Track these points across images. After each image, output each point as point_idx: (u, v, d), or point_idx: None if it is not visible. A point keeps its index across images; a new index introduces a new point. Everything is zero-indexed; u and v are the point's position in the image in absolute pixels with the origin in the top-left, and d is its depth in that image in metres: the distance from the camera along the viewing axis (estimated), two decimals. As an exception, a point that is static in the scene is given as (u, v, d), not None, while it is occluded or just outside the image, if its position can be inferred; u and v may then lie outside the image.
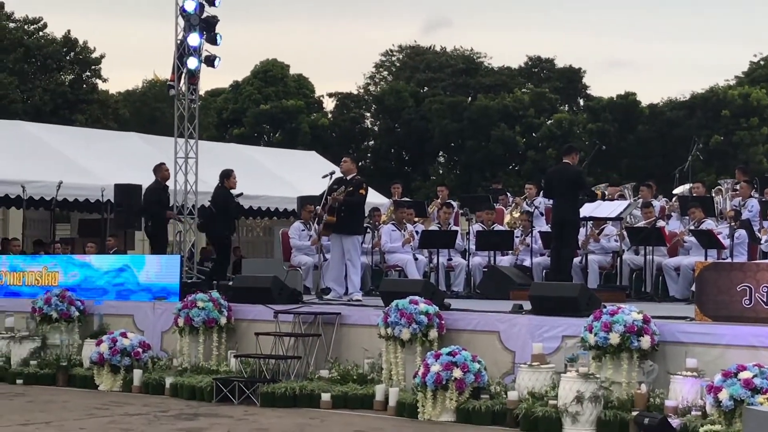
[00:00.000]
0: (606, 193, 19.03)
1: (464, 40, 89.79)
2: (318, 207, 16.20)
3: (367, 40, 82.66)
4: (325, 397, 12.97)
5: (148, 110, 49.24)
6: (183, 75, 19.03)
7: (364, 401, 12.92)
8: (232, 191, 17.84)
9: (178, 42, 18.96)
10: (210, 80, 71.86)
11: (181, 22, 18.89)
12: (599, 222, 17.36)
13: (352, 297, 15.78)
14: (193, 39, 18.76)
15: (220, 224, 17.82)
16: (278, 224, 25.31)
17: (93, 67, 45.97)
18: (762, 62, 50.65)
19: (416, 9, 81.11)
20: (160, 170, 18.51)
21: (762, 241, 16.26)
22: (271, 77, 50.91)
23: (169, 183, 18.84)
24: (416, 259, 17.96)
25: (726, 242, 16.08)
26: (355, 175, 16.13)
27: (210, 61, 19.14)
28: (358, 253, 16.18)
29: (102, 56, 45.94)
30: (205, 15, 18.90)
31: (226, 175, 17.83)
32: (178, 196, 19.06)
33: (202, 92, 23.12)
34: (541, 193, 19.03)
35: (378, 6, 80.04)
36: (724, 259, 15.87)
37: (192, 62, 18.88)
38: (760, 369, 10.26)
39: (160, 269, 16.25)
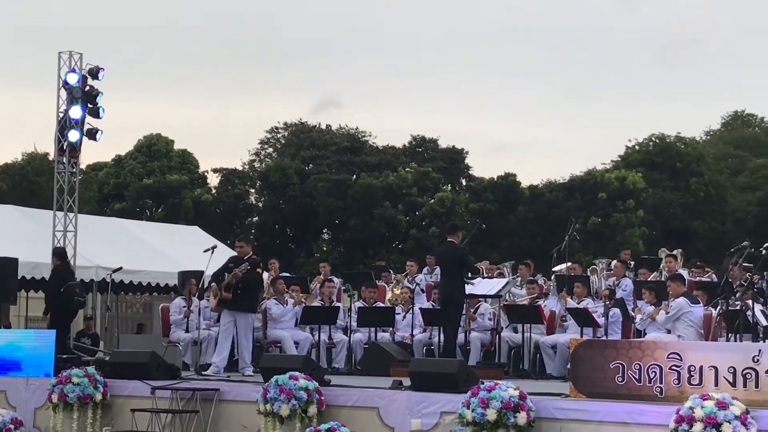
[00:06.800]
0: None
1: (351, 119, 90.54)
2: (214, 284, 16.23)
3: (256, 117, 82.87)
4: (202, 474, 12.80)
5: (27, 183, 48.30)
6: (64, 148, 18.87)
7: (241, 479, 12.79)
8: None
9: (60, 114, 18.82)
10: (92, 153, 71.23)
11: (63, 94, 18.77)
12: (474, 300, 17.56)
13: (244, 372, 15.94)
14: (75, 112, 18.66)
15: None
16: (158, 300, 25.02)
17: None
18: (637, 147, 52.19)
19: (308, 90, 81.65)
20: None
21: (635, 320, 16.63)
22: (155, 151, 50.52)
23: (43, 257, 18.56)
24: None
25: (601, 321, 16.44)
26: (252, 254, 16.26)
27: (92, 134, 19.03)
28: (251, 330, 16.42)
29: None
30: (87, 88, 18.82)
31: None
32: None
33: (83, 165, 22.86)
34: (424, 269, 19.35)
35: (268, 85, 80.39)
36: (599, 337, 16.20)
37: (73, 135, 18.75)
38: (632, 445, 10.48)
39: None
